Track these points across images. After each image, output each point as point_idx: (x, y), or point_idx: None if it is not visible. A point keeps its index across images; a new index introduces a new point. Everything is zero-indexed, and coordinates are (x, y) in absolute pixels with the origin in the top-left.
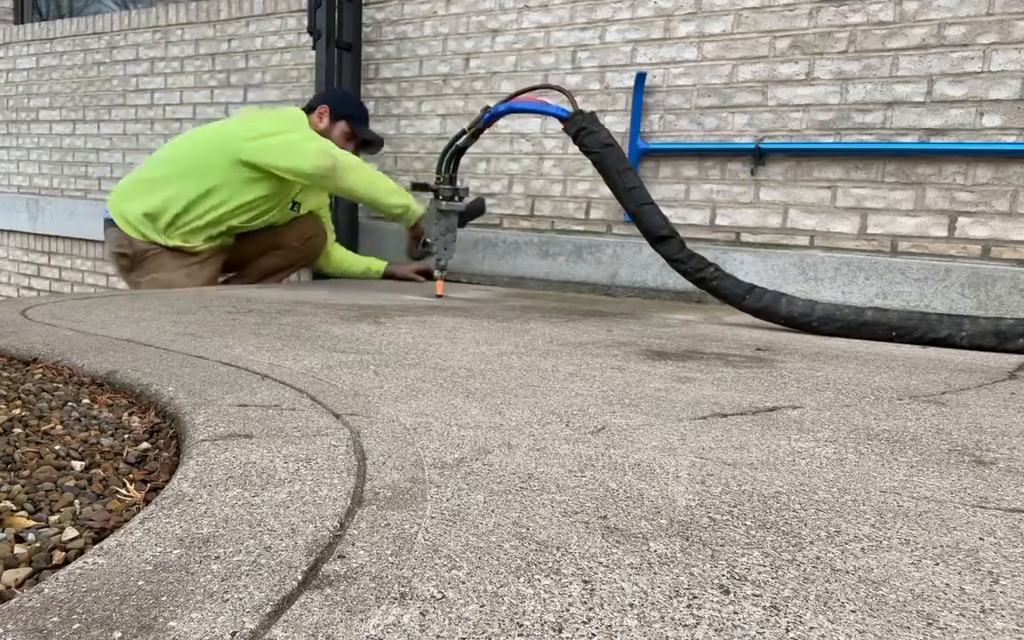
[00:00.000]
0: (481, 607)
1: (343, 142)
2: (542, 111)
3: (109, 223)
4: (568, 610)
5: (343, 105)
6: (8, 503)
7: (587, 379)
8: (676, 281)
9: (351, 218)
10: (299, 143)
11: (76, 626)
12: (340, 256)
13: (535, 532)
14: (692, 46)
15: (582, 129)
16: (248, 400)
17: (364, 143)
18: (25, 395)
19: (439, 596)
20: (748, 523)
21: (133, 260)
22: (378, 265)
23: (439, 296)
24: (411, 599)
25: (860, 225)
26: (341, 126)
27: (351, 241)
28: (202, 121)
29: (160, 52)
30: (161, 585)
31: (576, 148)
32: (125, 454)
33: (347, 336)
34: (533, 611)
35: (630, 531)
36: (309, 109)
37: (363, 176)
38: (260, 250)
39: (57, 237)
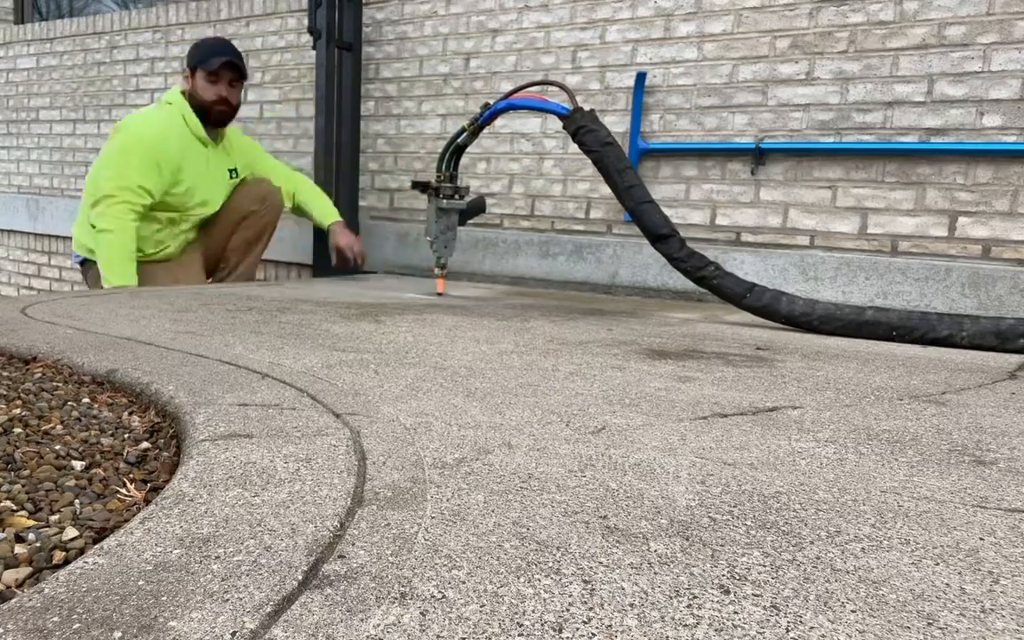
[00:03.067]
0: (481, 607)
1: (210, 88)
2: (542, 108)
3: (83, 264)
4: (568, 610)
5: (192, 56)
6: (8, 503)
7: (587, 378)
8: (676, 281)
9: (352, 219)
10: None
11: (76, 626)
12: (306, 195)
13: (535, 532)
14: (692, 46)
15: (581, 127)
16: (248, 399)
17: (223, 69)
18: (25, 395)
19: (439, 596)
20: (748, 523)
21: None
22: (328, 218)
23: (439, 294)
24: (411, 599)
25: (860, 225)
26: (199, 77)
27: None
28: None
29: (160, 52)
30: (161, 585)
31: (576, 148)
32: (125, 454)
33: (347, 334)
34: (533, 611)
35: (630, 531)
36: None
37: (101, 250)
38: (227, 231)
39: (57, 237)
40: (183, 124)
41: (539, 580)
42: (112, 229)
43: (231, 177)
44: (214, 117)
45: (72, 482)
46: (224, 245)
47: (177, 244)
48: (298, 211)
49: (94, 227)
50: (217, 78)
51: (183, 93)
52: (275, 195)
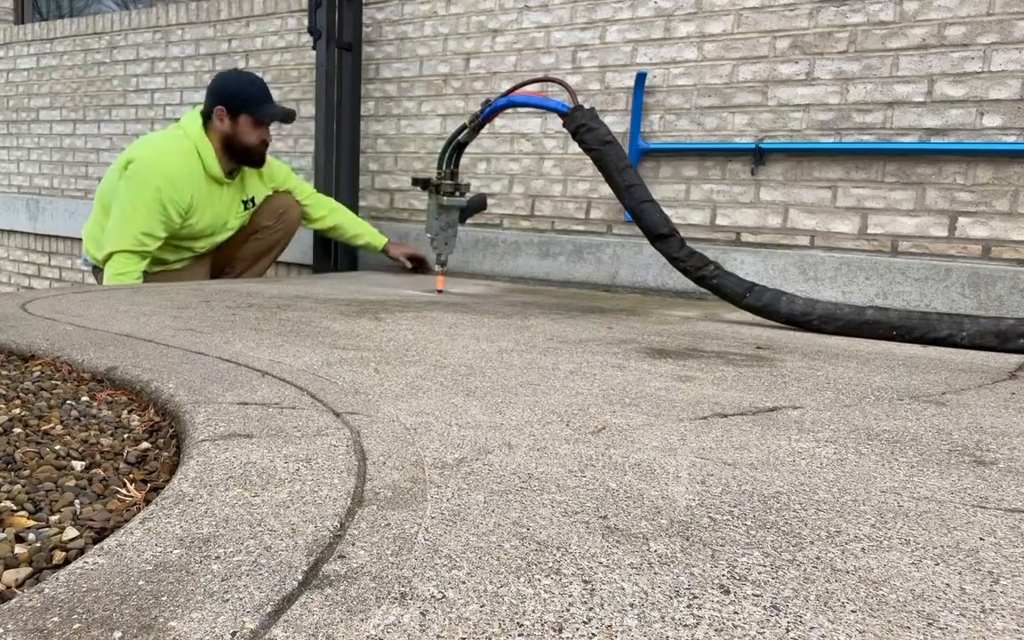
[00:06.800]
0: (481, 607)
1: (252, 133)
2: (542, 106)
3: (95, 270)
4: (568, 610)
5: (236, 99)
6: (8, 503)
7: (587, 377)
8: (676, 281)
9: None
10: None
11: (76, 626)
12: (342, 219)
13: (535, 532)
14: (692, 46)
15: (582, 125)
16: (248, 398)
17: (274, 120)
18: (24, 393)
19: (439, 596)
20: (748, 523)
21: None
22: (378, 240)
23: (439, 291)
24: (411, 599)
25: (860, 225)
26: (243, 121)
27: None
28: None
29: (160, 52)
30: (161, 585)
31: (576, 148)
32: (125, 454)
33: (347, 332)
34: (533, 611)
35: (630, 531)
36: (207, 113)
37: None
38: (239, 240)
39: (57, 237)
40: (197, 161)
41: (539, 580)
42: (123, 273)
43: (245, 208)
44: (255, 160)
45: (72, 482)
46: (233, 254)
47: (182, 263)
48: (331, 233)
49: (103, 265)
50: (262, 123)
51: (204, 128)
52: (291, 211)
